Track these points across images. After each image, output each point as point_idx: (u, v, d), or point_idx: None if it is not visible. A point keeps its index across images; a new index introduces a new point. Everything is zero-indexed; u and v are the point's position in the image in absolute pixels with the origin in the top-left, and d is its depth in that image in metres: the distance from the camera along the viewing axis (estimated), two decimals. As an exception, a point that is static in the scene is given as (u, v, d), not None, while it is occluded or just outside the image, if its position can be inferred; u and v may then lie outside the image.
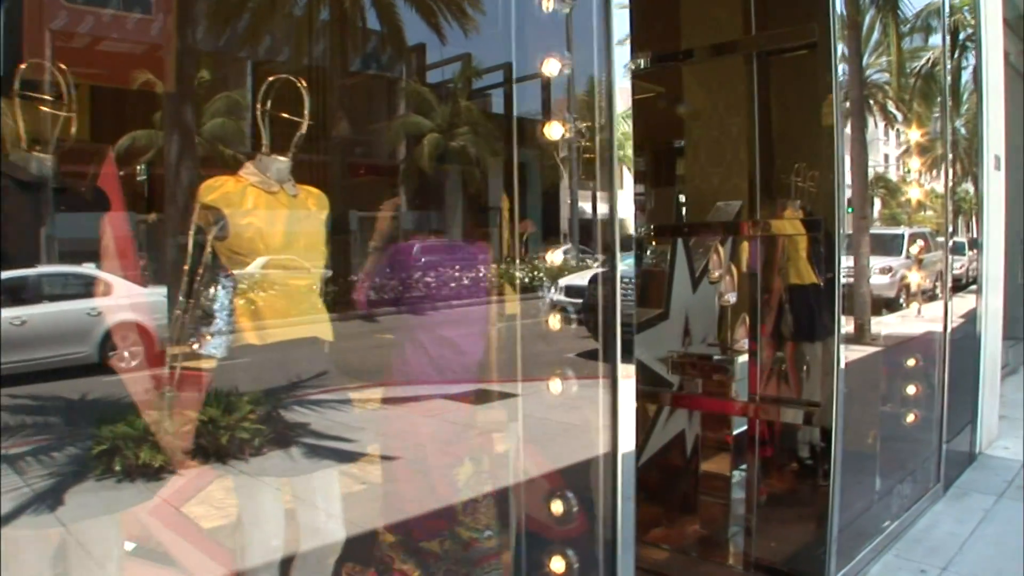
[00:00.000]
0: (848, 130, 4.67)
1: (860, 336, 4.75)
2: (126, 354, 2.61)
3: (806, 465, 4.14)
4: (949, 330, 4.77)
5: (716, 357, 4.00)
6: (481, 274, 2.92)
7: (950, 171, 5.01)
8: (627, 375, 2.17)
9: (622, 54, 2.20)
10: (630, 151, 2.20)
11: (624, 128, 2.22)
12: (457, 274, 2.88)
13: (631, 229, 2.16)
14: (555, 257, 2.23)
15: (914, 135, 5.84)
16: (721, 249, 4.23)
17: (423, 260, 2.91)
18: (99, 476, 2.31)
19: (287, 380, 2.48)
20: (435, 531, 2.77)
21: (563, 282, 2.51)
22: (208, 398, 2.44)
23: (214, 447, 2.41)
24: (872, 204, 5.57)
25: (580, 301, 2.27)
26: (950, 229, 5.03)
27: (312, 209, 2.62)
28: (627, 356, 2.17)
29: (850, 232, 4.93)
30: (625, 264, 2.16)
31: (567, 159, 2.37)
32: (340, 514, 2.61)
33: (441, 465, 2.82)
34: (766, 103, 3.94)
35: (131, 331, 2.61)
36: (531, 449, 2.67)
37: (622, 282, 2.17)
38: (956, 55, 5.76)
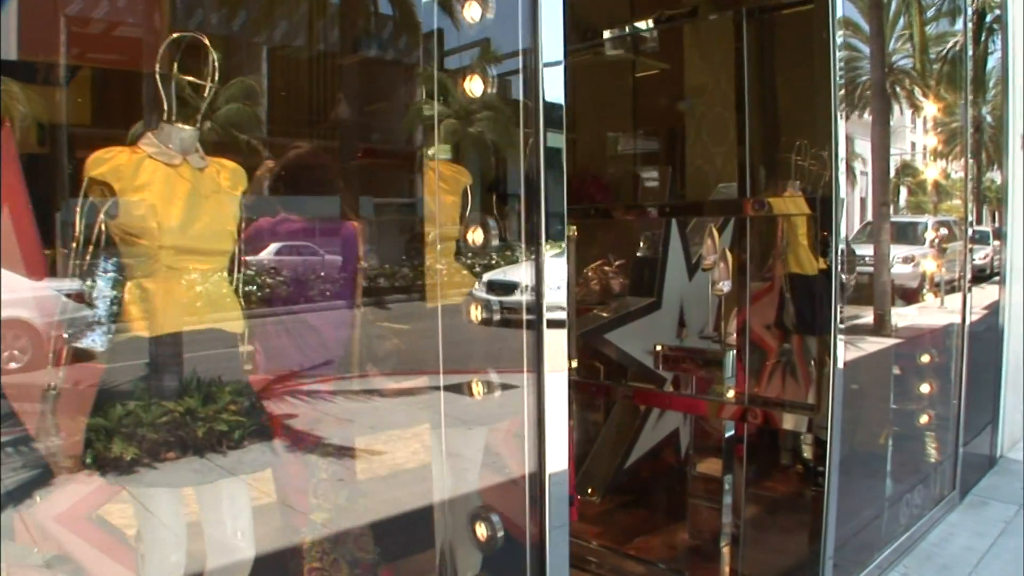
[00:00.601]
0: (868, 115, 4.22)
1: (880, 328, 4.28)
2: (16, 353, 2.25)
3: (804, 469, 3.68)
4: (968, 323, 4.26)
5: (704, 351, 3.55)
6: (344, 260, 2.51)
7: (969, 153, 4.52)
8: (555, 368, 1.73)
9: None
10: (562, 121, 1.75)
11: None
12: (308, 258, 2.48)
13: (562, 205, 1.70)
14: (476, 236, 1.79)
15: (940, 121, 5.37)
16: (716, 233, 3.76)
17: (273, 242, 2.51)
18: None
19: (175, 378, 2.08)
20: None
21: (487, 276, 2.07)
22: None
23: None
24: (897, 192, 5.11)
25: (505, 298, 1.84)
26: (970, 218, 4.55)
27: (223, 185, 2.21)
28: (556, 353, 1.73)
29: (871, 220, 4.48)
30: (554, 243, 1.72)
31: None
32: (250, 528, 2.22)
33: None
34: (769, 73, 3.46)
35: (12, 329, 2.23)
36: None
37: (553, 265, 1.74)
38: (984, 37, 5.32)
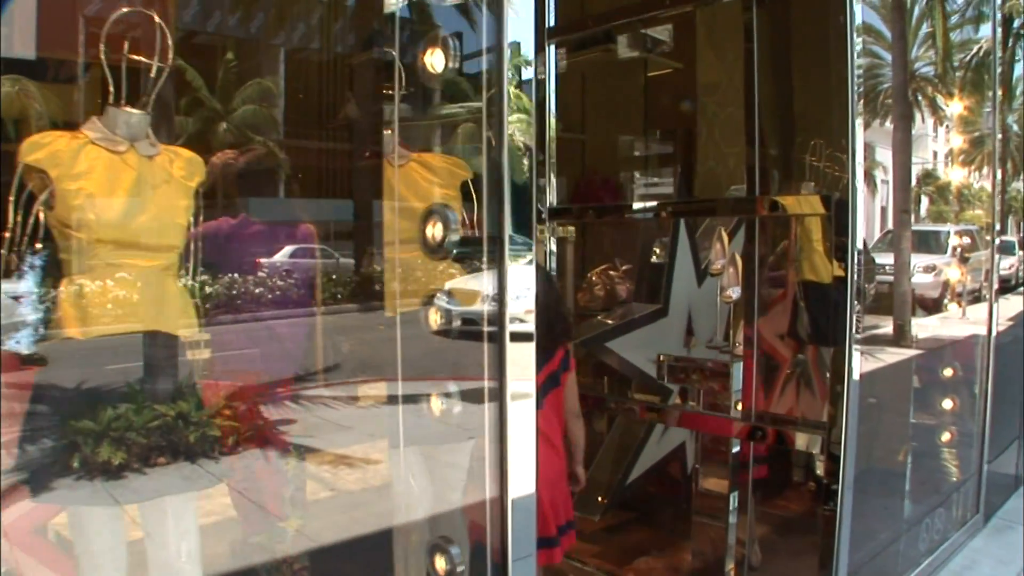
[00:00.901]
0: (889, 121, 3.95)
1: (900, 338, 3.98)
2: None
3: (817, 486, 3.38)
4: (994, 334, 3.95)
5: (711, 362, 3.26)
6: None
7: (997, 160, 4.23)
8: (521, 378, 1.48)
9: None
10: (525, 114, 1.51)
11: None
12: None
13: (530, 207, 1.45)
14: (436, 232, 1.54)
15: (963, 128, 5.08)
16: (725, 236, 3.48)
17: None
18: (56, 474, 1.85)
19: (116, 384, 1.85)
20: None
21: (448, 284, 1.82)
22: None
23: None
24: (919, 201, 4.84)
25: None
26: (997, 227, 4.25)
27: (176, 175, 1.98)
28: (522, 365, 1.48)
29: (891, 228, 4.20)
30: (519, 245, 1.46)
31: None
32: (197, 549, 1.98)
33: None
34: (783, 66, 3.18)
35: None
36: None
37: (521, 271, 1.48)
38: (1011, 43, 5.05)
